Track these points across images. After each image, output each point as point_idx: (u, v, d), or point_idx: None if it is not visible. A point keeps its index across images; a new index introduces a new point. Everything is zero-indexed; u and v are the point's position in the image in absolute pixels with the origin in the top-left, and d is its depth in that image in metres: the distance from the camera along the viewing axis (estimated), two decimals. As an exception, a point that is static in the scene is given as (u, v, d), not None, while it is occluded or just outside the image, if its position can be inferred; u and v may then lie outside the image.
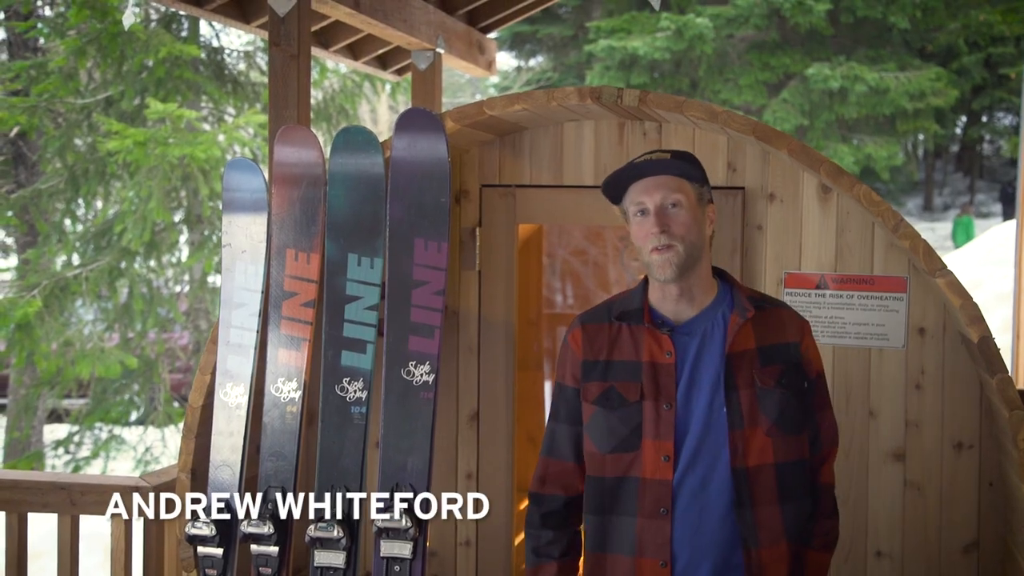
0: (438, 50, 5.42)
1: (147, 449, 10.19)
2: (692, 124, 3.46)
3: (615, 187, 2.52)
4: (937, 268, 3.10)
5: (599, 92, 3.31)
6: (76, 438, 10.11)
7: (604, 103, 3.32)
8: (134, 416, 10.34)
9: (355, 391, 3.33)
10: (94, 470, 9.90)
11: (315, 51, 5.53)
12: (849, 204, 3.40)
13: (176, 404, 10.42)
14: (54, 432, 11.94)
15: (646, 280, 2.58)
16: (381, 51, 6.06)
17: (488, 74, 6.38)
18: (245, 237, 3.45)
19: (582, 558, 2.60)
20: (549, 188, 3.68)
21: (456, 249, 3.73)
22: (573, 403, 2.57)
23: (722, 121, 3.23)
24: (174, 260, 9.90)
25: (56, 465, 10.14)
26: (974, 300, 3.07)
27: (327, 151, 3.45)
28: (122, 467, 10.26)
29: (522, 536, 4.22)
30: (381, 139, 3.43)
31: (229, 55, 10.44)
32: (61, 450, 10.19)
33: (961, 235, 20.54)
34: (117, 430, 10.19)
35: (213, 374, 3.44)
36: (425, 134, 3.33)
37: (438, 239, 3.33)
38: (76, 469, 9.78)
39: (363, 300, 3.37)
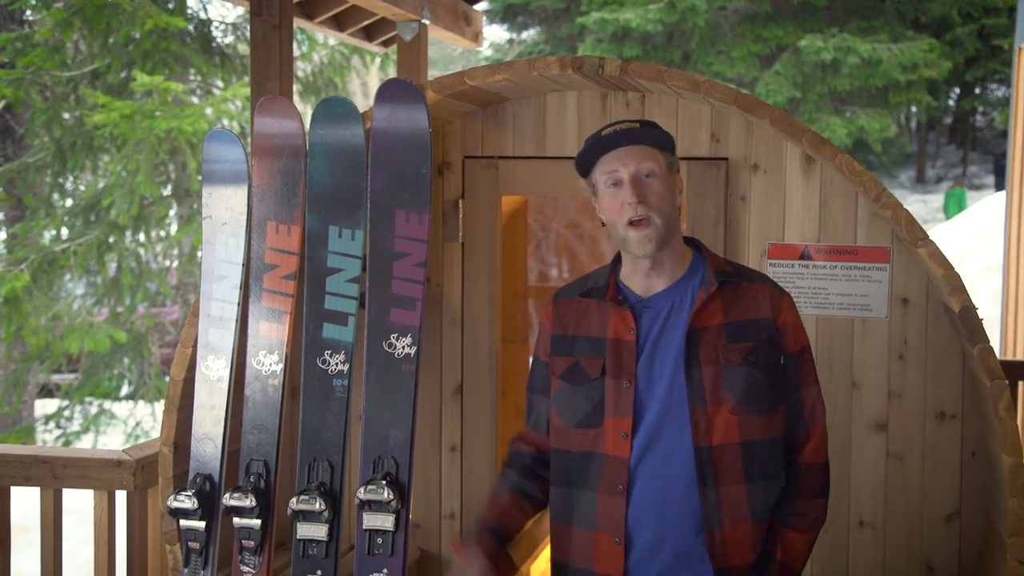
0: (423, 21, 5.38)
1: (137, 423, 10.19)
2: (675, 94, 3.44)
3: (584, 161, 2.47)
4: (919, 238, 3.09)
5: (580, 62, 3.29)
6: (66, 412, 10.11)
7: (585, 73, 3.30)
8: (125, 390, 10.34)
9: (337, 364, 3.32)
10: (84, 445, 9.90)
11: (300, 23, 5.49)
12: (832, 174, 3.38)
13: (167, 378, 10.40)
14: (45, 407, 11.94)
15: (618, 255, 2.55)
16: (366, 22, 6.00)
17: (475, 45, 6.34)
18: (226, 209, 3.42)
19: (541, 518, 2.62)
20: (532, 159, 3.66)
21: (439, 221, 3.71)
22: (545, 375, 2.58)
23: (704, 91, 3.21)
24: (163, 234, 9.86)
25: (47, 440, 10.15)
26: (956, 270, 3.06)
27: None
28: (113, 441, 10.27)
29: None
30: (373, 112, 3.41)
31: (217, 27, 10.36)
32: (51, 424, 10.18)
33: (953, 207, 20.58)
34: (107, 404, 10.18)
35: (195, 347, 3.42)
36: (406, 105, 3.30)
37: (419, 210, 3.30)
38: (67, 443, 9.78)
39: (344, 272, 3.35)
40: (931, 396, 3.36)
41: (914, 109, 23.00)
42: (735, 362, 2.41)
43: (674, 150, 2.49)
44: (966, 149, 26.79)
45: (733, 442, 2.40)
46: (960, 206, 20.51)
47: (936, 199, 23.81)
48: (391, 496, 3.17)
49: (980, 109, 26.29)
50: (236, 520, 3.27)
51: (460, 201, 3.69)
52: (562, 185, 3.71)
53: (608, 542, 2.42)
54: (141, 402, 10.38)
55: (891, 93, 18.95)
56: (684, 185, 2.53)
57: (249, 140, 3.52)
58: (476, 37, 6.25)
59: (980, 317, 3.08)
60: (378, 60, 11.52)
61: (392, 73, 11.58)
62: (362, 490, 3.18)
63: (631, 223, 2.38)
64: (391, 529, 3.21)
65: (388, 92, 3.33)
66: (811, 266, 3.43)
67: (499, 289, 3.72)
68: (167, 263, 10.36)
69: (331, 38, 9.70)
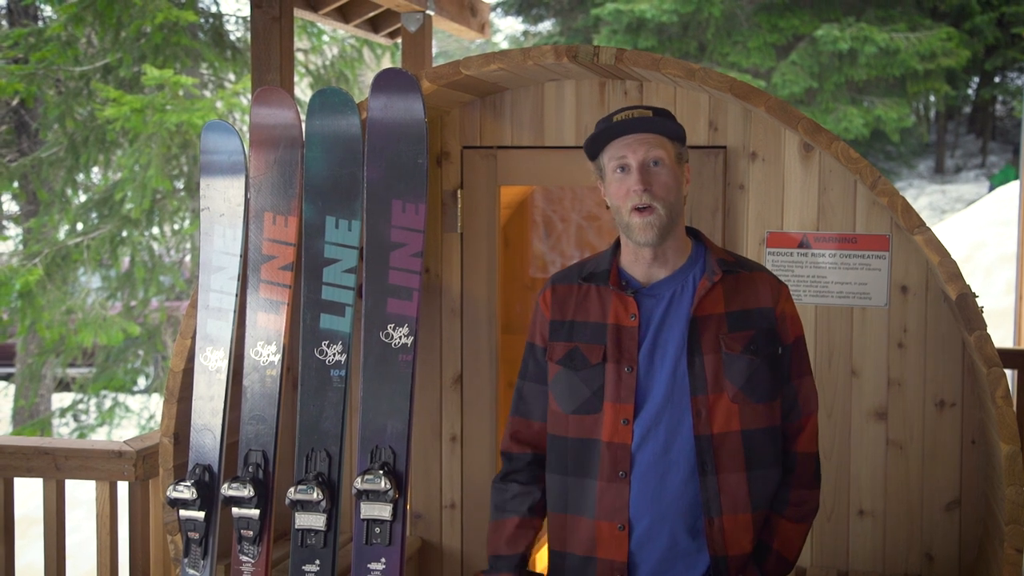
0: (428, 12, 5.37)
1: (151, 416, 10.24)
2: (672, 83, 3.43)
3: (594, 144, 2.47)
4: (916, 225, 3.07)
5: (575, 50, 3.27)
6: (81, 405, 10.16)
7: (581, 61, 3.28)
8: (142, 383, 10.39)
9: (334, 354, 3.33)
10: (99, 437, 9.96)
11: (304, 14, 5.47)
12: (831, 162, 3.36)
13: (180, 371, 10.42)
14: (62, 400, 12.03)
15: (618, 241, 2.55)
16: (371, 14, 5.98)
17: (481, 36, 6.31)
18: (223, 200, 3.43)
19: (546, 519, 2.59)
20: (531, 149, 3.65)
21: (438, 212, 3.71)
22: (542, 362, 2.56)
23: (699, 79, 3.19)
24: (176, 228, 9.89)
25: (63, 432, 10.21)
26: (952, 257, 3.04)
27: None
28: (128, 434, 10.33)
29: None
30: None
31: (228, 21, 10.38)
32: (68, 417, 10.25)
33: (999, 179, 21.23)
34: (122, 397, 10.24)
35: (193, 338, 3.43)
36: (401, 95, 3.30)
37: (416, 200, 3.30)
38: (82, 436, 9.85)
39: (341, 263, 3.35)
40: (931, 384, 3.34)
41: (932, 99, 22.84)
42: (737, 350, 2.41)
43: (684, 140, 2.49)
44: (985, 139, 26.55)
45: (734, 430, 2.40)
46: (1006, 179, 20.86)
47: (955, 189, 23.65)
48: (388, 486, 3.18)
49: (1000, 98, 26.05)
50: (235, 510, 3.29)
51: (459, 191, 3.69)
52: (561, 175, 3.71)
53: (611, 529, 2.42)
54: (155, 395, 10.42)
55: (909, 82, 18.80)
56: (691, 175, 2.53)
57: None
58: (482, 28, 6.23)
59: (980, 305, 3.06)
60: (389, 54, 11.51)
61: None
62: (359, 480, 3.19)
63: (636, 210, 2.39)
64: (389, 519, 3.21)
65: (383, 82, 3.33)
66: (810, 254, 3.41)
67: (498, 279, 3.72)
68: (180, 256, 10.39)
69: (342, 31, 9.69)
